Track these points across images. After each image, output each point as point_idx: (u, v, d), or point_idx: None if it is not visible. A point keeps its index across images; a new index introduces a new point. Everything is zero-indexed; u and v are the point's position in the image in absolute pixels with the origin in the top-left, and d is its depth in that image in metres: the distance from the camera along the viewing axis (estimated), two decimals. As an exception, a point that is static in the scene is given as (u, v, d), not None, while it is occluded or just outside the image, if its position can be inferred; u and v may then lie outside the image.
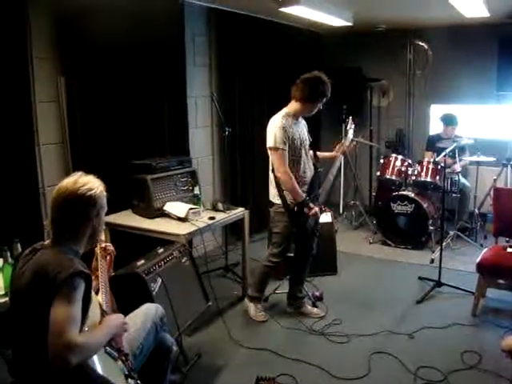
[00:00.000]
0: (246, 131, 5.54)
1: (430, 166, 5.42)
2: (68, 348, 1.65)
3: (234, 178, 5.55)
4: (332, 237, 4.79)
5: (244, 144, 5.55)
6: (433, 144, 5.48)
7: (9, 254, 2.69)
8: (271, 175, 3.61)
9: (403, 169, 5.64)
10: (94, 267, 2.28)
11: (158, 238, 3.58)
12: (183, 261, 3.32)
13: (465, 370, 3.13)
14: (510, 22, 5.42)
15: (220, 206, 4.12)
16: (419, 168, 5.50)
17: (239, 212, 4.15)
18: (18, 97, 3.24)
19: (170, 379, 2.64)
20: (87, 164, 3.57)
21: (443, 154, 4.58)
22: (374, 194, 6.52)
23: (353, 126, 3.96)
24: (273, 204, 3.67)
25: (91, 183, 1.99)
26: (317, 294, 4.19)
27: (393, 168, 5.66)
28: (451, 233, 5.39)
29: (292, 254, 3.86)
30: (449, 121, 5.64)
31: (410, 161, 5.72)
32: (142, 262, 3.01)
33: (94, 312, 1.98)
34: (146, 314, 2.47)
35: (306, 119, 3.75)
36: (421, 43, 6.23)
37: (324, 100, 3.55)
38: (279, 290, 4.27)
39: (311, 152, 3.75)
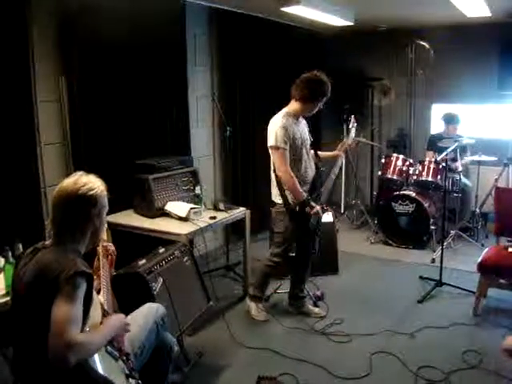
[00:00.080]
0: (247, 131, 5.54)
1: (432, 166, 5.42)
2: (68, 347, 1.66)
3: (235, 177, 5.55)
4: (333, 236, 4.79)
5: (245, 143, 5.55)
6: (434, 143, 5.46)
7: (10, 254, 2.70)
8: (273, 175, 3.61)
9: (404, 168, 5.63)
10: (96, 267, 2.29)
11: (159, 238, 3.58)
12: (184, 260, 3.33)
13: (466, 369, 3.13)
14: (511, 22, 5.41)
15: (221, 205, 4.12)
16: (420, 167, 5.50)
17: (240, 211, 4.15)
18: (19, 96, 3.23)
19: (171, 379, 2.65)
20: (88, 163, 3.57)
21: (444, 153, 4.58)
22: (375, 193, 6.53)
23: (355, 124, 3.96)
24: (274, 204, 3.67)
25: (92, 183, 1.99)
26: (318, 293, 4.19)
27: (394, 167, 5.66)
28: (452, 232, 5.39)
29: (293, 254, 3.86)
30: (450, 119, 5.64)
31: (411, 160, 5.71)
32: (144, 261, 3.02)
33: (96, 312, 1.99)
34: (148, 313, 2.47)
35: (306, 119, 3.75)
36: (422, 43, 6.22)
37: (324, 99, 3.55)
38: (280, 289, 4.28)
39: (312, 151, 3.75)
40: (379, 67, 6.67)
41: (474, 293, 3.95)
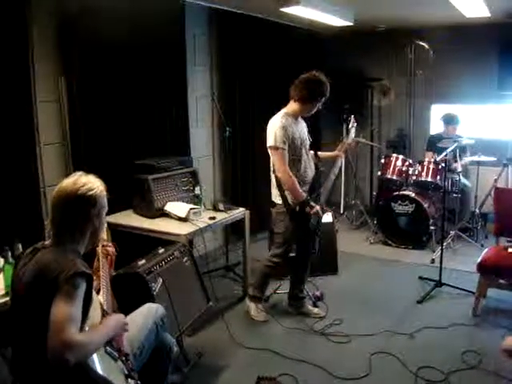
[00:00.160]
0: (246, 131, 5.54)
1: (431, 166, 5.42)
2: (66, 346, 1.65)
3: (234, 177, 5.55)
4: (333, 237, 4.79)
5: (245, 144, 5.54)
6: (434, 144, 5.47)
7: (9, 254, 2.70)
8: (272, 176, 3.62)
9: (404, 169, 5.64)
10: (96, 267, 2.29)
11: (158, 238, 3.58)
12: (184, 261, 3.33)
13: (465, 369, 3.13)
14: (510, 22, 5.41)
15: (221, 205, 4.12)
16: (420, 168, 5.50)
17: (240, 212, 4.15)
18: (18, 96, 3.23)
19: (170, 379, 2.65)
20: (88, 164, 3.57)
21: (444, 153, 4.58)
22: (374, 193, 6.53)
23: (355, 124, 3.96)
24: (274, 204, 3.67)
25: (91, 183, 1.99)
26: (317, 293, 4.19)
27: (394, 168, 5.66)
28: (452, 233, 5.39)
29: (293, 254, 3.86)
30: (450, 120, 5.64)
31: (410, 161, 5.72)
32: (143, 261, 3.02)
33: (95, 312, 1.98)
34: (147, 313, 2.47)
35: (306, 119, 3.75)
36: (422, 43, 6.22)
37: (323, 100, 3.56)
38: (280, 290, 4.28)
39: (312, 152, 3.75)
40: (379, 67, 6.67)
41: (473, 293, 3.95)
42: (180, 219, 3.78)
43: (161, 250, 3.23)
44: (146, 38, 4.05)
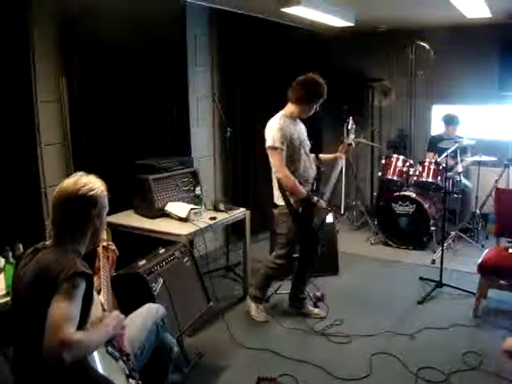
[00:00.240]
0: (247, 131, 5.54)
1: (432, 167, 5.42)
2: (62, 345, 1.65)
3: (235, 178, 5.55)
4: (333, 237, 4.79)
5: (245, 144, 5.55)
6: (434, 144, 5.48)
7: (10, 254, 2.70)
8: (274, 177, 3.63)
9: (405, 169, 5.63)
10: (97, 267, 2.29)
11: (159, 238, 3.58)
12: (184, 261, 3.33)
13: (466, 370, 3.12)
14: (511, 23, 5.41)
15: (221, 206, 4.13)
16: (421, 168, 5.50)
17: (240, 212, 4.16)
18: (19, 97, 3.24)
19: (171, 379, 2.65)
20: (88, 164, 3.57)
21: (445, 154, 4.58)
22: (375, 194, 6.53)
23: (354, 126, 3.97)
24: (277, 205, 3.68)
25: (92, 183, 1.99)
26: (318, 294, 4.19)
27: (394, 168, 5.66)
28: (452, 233, 5.39)
29: (296, 255, 3.86)
30: (450, 120, 5.64)
31: (411, 161, 5.71)
32: (144, 262, 3.02)
33: (96, 312, 1.99)
34: (148, 314, 2.47)
35: (307, 119, 3.75)
36: (422, 43, 6.22)
37: (320, 101, 3.58)
38: (281, 290, 4.28)
39: (313, 155, 3.76)
40: (379, 68, 6.67)
41: (474, 294, 3.95)
42: (181, 219, 3.78)
43: (161, 251, 3.24)
44: (147, 39, 4.05)
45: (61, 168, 3.67)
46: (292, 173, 3.52)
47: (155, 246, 3.32)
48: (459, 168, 5.23)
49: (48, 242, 2.00)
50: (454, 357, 3.27)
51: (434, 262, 4.94)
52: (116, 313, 2.09)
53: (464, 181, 5.53)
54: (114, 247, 2.37)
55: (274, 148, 3.47)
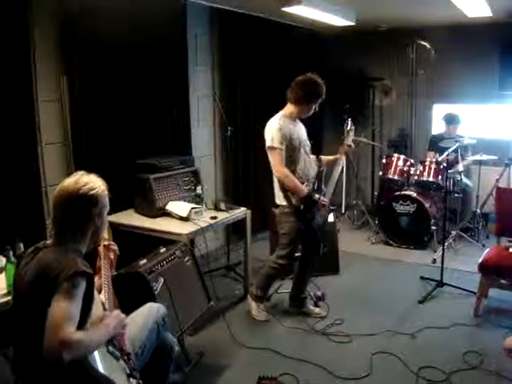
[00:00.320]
0: (248, 130, 5.53)
1: (433, 166, 5.42)
2: (62, 344, 1.65)
3: (236, 177, 5.55)
4: (334, 236, 4.79)
5: (246, 143, 5.54)
6: (435, 144, 5.47)
7: (11, 253, 2.71)
8: (275, 178, 3.63)
9: (405, 168, 5.63)
10: (98, 266, 2.29)
11: (160, 238, 3.58)
12: (185, 260, 3.33)
13: (467, 370, 3.12)
14: (512, 22, 5.42)
15: (222, 205, 4.13)
16: (421, 168, 5.50)
17: (241, 211, 4.15)
18: (20, 96, 3.24)
19: (171, 378, 2.65)
20: (89, 163, 3.57)
21: (445, 153, 4.57)
22: (376, 193, 6.53)
23: (353, 127, 3.97)
24: (279, 205, 3.68)
25: (93, 182, 1.99)
26: (318, 293, 4.19)
27: (395, 168, 5.65)
28: (453, 233, 5.38)
29: (299, 254, 3.85)
30: (451, 120, 5.64)
31: (412, 160, 5.71)
32: (144, 261, 3.02)
33: (96, 311, 1.99)
34: (148, 313, 2.47)
35: (308, 119, 3.75)
36: (423, 43, 6.21)
37: (319, 101, 3.59)
38: (281, 289, 4.28)
39: (314, 156, 3.76)
40: (380, 67, 6.66)
41: (474, 293, 3.95)
42: (181, 219, 3.78)
43: (162, 250, 3.24)
44: (148, 38, 4.05)
45: (61, 167, 3.67)
46: (292, 172, 3.53)
47: (156, 245, 3.32)
48: (460, 167, 5.22)
49: (49, 242, 2.01)
50: (454, 356, 3.27)
51: (434, 261, 4.94)
52: (116, 312, 2.09)
53: (465, 180, 5.53)
54: (115, 247, 2.37)
55: (273, 148, 3.48)
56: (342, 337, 3.60)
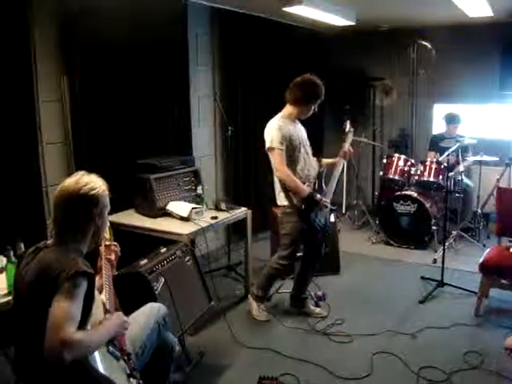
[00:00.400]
0: (248, 130, 5.53)
1: (433, 166, 5.42)
2: (63, 344, 1.65)
3: (236, 177, 5.55)
4: (335, 236, 4.79)
5: (247, 143, 5.54)
6: (436, 143, 5.47)
7: (12, 253, 2.71)
8: (276, 179, 3.63)
9: (406, 168, 5.63)
10: (99, 266, 2.29)
11: (160, 238, 3.58)
12: (186, 260, 3.33)
13: (467, 370, 3.12)
14: (513, 22, 5.42)
15: (223, 205, 4.13)
16: (422, 168, 5.50)
17: (242, 211, 4.15)
18: (21, 96, 3.24)
19: (172, 378, 2.65)
20: (90, 163, 3.57)
21: (446, 153, 4.57)
22: (376, 193, 6.52)
23: (352, 129, 3.97)
24: (280, 206, 3.68)
25: (93, 182, 2.00)
26: (319, 293, 4.19)
27: (396, 168, 5.65)
28: (454, 233, 5.38)
29: (300, 254, 3.85)
30: (451, 119, 5.64)
31: (412, 160, 5.71)
32: (145, 261, 3.02)
33: (97, 311, 1.99)
34: (149, 313, 2.47)
35: (308, 119, 3.74)
36: (424, 42, 6.21)
37: (318, 101, 3.60)
38: (282, 289, 4.28)
39: (314, 158, 3.76)
40: (381, 67, 6.66)
41: (475, 293, 3.95)
42: (182, 219, 3.78)
43: (163, 250, 3.24)
44: (148, 38, 4.05)
45: (62, 167, 3.67)
46: (292, 172, 3.53)
47: (156, 245, 3.32)
48: (461, 167, 5.23)
49: (49, 241, 2.01)
50: (455, 356, 3.26)
51: (435, 261, 4.94)
52: (118, 313, 2.10)
53: (465, 180, 5.53)
54: (117, 248, 2.36)
55: (273, 149, 3.49)
56: (343, 337, 3.60)
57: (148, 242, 3.56)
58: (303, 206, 3.53)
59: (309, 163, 3.66)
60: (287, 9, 4.42)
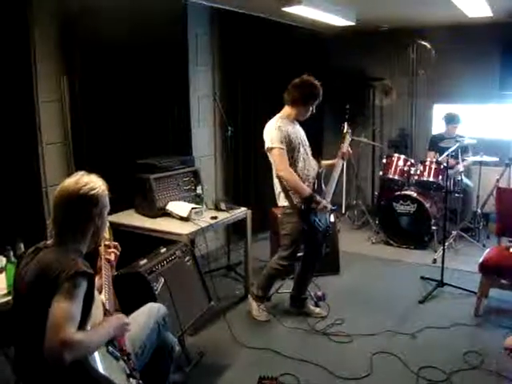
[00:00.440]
0: (248, 131, 5.53)
1: (433, 166, 5.42)
2: (63, 345, 1.65)
3: (236, 177, 5.55)
4: (334, 236, 4.78)
5: (246, 143, 5.54)
6: (435, 144, 5.47)
7: (12, 253, 2.71)
8: (276, 180, 3.64)
9: (406, 168, 5.63)
10: (99, 266, 2.29)
11: (160, 238, 3.58)
12: (186, 260, 3.33)
13: (467, 370, 3.12)
14: (513, 22, 5.42)
15: (222, 205, 4.13)
16: (422, 168, 5.50)
17: (241, 211, 4.15)
18: (21, 96, 3.24)
19: (172, 379, 2.65)
20: (90, 163, 3.57)
21: (446, 153, 4.57)
22: (376, 193, 6.52)
23: (350, 130, 3.97)
24: (280, 207, 3.68)
25: (93, 182, 2.00)
26: (319, 293, 4.19)
27: (395, 168, 5.65)
28: (454, 233, 5.38)
29: (301, 254, 3.85)
30: (451, 119, 5.64)
31: (412, 160, 5.71)
32: (145, 261, 3.02)
33: (97, 311, 1.99)
34: (149, 313, 2.47)
35: (308, 119, 3.74)
36: (424, 43, 6.21)
37: (316, 102, 3.61)
38: (282, 289, 4.28)
39: (314, 160, 3.76)
40: (381, 67, 6.66)
41: (475, 293, 3.95)
42: (182, 219, 3.78)
43: (162, 250, 3.24)
44: (148, 38, 4.05)
45: (62, 167, 3.67)
46: (292, 172, 3.53)
47: (156, 245, 3.32)
48: (460, 167, 5.23)
49: (49, 242, 2.01)
50: (455, 356, 3.27)
51: (435, 261, 4.94)
52: (119, 315, 2.10)
53: (465, 180, 5.53)
54: (116, 250, 2.36)
55: (273, 148, 3.49)
56: (343, 337, 3.60)
57: (148, 242, 3.56)
58: (303, 206, 3.53)
59: (308, 163, 3.66)
60: (287, 9, 4.43)
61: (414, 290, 4.34)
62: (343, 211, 6.73)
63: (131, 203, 4.01)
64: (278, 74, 5.73)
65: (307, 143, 3.73)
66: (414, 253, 5.36)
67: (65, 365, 1.66)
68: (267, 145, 3.53)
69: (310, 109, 3.62)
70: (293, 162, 3.55)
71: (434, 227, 5.33)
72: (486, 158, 5.35)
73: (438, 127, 6.15)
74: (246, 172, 5.64)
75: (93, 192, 1.97)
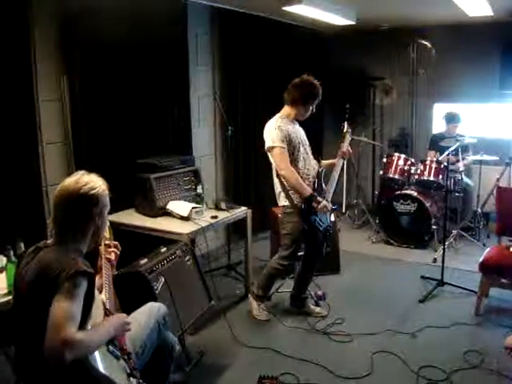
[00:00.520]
0: (248, 130, 5.53)
1: (433, 165, 5.42)
2: (64, 344, 1.65)
3: (236, 176, 5.55)
4: (335, 236, 4.78)
5: (247, 143, 5.54)
6: (436, 143, 5.48)
7: (12, 253, 2.71)
8: (276, 179, 3.64)
9: (406, 168, 5.63)
10: (99, 266, 2.29)
11: (160, 237, 3.58)
12: (186, 260, 3.33)
13: (467, 369, 3.12)
14: (513, 21, 5.42)
15: (223, 204, 4.13)
16: (422, 167, 5.50)
17: (242, 211, 4.15)
18: (21, 96, 3.24)
19: (172, 378, 2.66)
20: (90, 163, 3.57)
21: (446, 152, 4.57)
22: (376, 192, 6.52)
23: (349, 130, 3.97)
24: (280, 206, 3.68)
25: (93, 182, 2.00)
26: (319, 293, 4.19)
27: (396, 167, 5.65)
28: (454, 232, 5.38)
29: (301, 253, 3.85)
30: (451, 118, 5.64)
31: (412, 160, 5.71)
32: (145, 260, 3.02)
33: (97, 311, 1.99)
34: (149, 312, 2.47)
35: (308, 119, 3.75)
36: (424, 42, 6.21)
37: (315, 102, 3.61)
38: (282, 288, 4.28)
39: (315, 161, 3.76)
40: (381, 66, 6.66)
41: (475, 292, 3.95)
42: (182, 218, 3.78)
43: (163, 249, 3.24)
44: (148, 38, 4.05)
45: (62, 167, 3.67)
46: (293, 172, 3.53)
47: (156, 244, 3.33)
48: (461, 166, 5.23)
49: (49, 241, 2.01)
50: (455, 355, 3.27)
51: (435, 260, 4.94)
52: (120, 314, 2.10)
53: (465, 179, 5.53)
54: (116, 249, 2.36)
55: (274, 147, 3.49)
56: (343, 336, 3.60)
57: (148, 242, 3.56)
58: (303, 206, 3.53)
59: (308, 163, 3.66)
60: (287, 8, 4.43)
61: (415, 290, 4.35)
62: (343, 210, 6.73)
63: (131, 203, 4.01)
64: (278, 74, 5.73)
65: (307, 143, 3.74)
66: (415, 252, 5.36)
67: (65, 364, 1.66)
68: (268, 144, 3.54)
69: (310, 108, 3.63)
70: (293, 162, 3.55)
71: (434, 226, 5.33)
72: (486, 157, 5.35)
73: (438, 126, 6.15)
74: (247, 171, 5.64)
75: (93, 191, 1.97)
